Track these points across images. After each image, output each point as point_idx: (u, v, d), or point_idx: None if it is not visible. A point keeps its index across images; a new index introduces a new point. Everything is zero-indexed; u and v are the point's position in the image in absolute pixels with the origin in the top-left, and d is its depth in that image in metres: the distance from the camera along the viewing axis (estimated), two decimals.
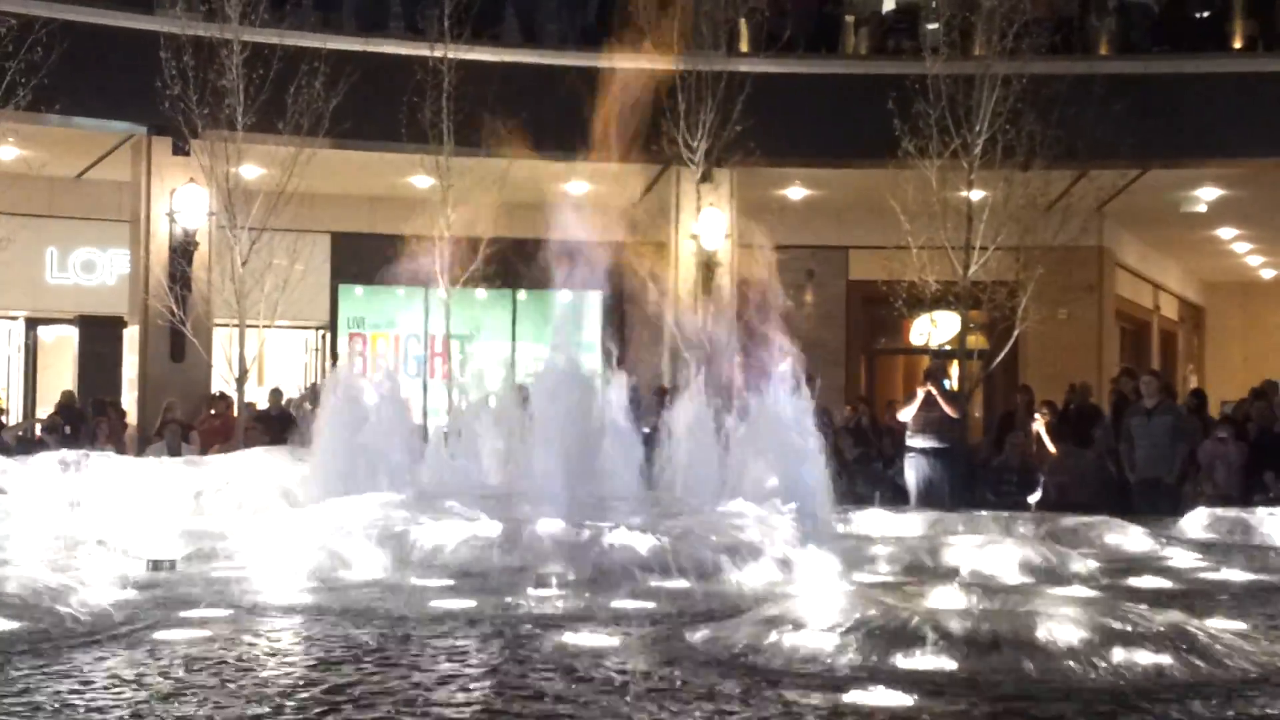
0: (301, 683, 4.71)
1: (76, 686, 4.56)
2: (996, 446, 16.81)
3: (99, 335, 20.30)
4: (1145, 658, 5.09)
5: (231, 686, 4.62)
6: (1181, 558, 8.82)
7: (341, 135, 17.36)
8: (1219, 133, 18.91)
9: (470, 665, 5.09)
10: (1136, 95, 18.05)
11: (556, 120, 17.60)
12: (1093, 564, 8.13)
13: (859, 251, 22.19)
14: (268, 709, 4.30)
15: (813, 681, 4.75)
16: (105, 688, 4.55)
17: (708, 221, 19.73)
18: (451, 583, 6.99)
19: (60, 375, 21.07)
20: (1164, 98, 18.84)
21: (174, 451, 16.35)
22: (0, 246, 16.41)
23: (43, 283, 20.75)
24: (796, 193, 21.21)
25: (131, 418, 18.35)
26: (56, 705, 4.30)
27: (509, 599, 6.52)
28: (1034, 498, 15.58)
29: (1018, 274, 18.08)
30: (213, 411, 18.02)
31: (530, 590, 6.75)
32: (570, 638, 5.54)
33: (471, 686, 4.69)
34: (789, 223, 20.67)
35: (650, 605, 6.53)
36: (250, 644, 5.39)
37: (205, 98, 16.79)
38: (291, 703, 4.38)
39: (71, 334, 21.25)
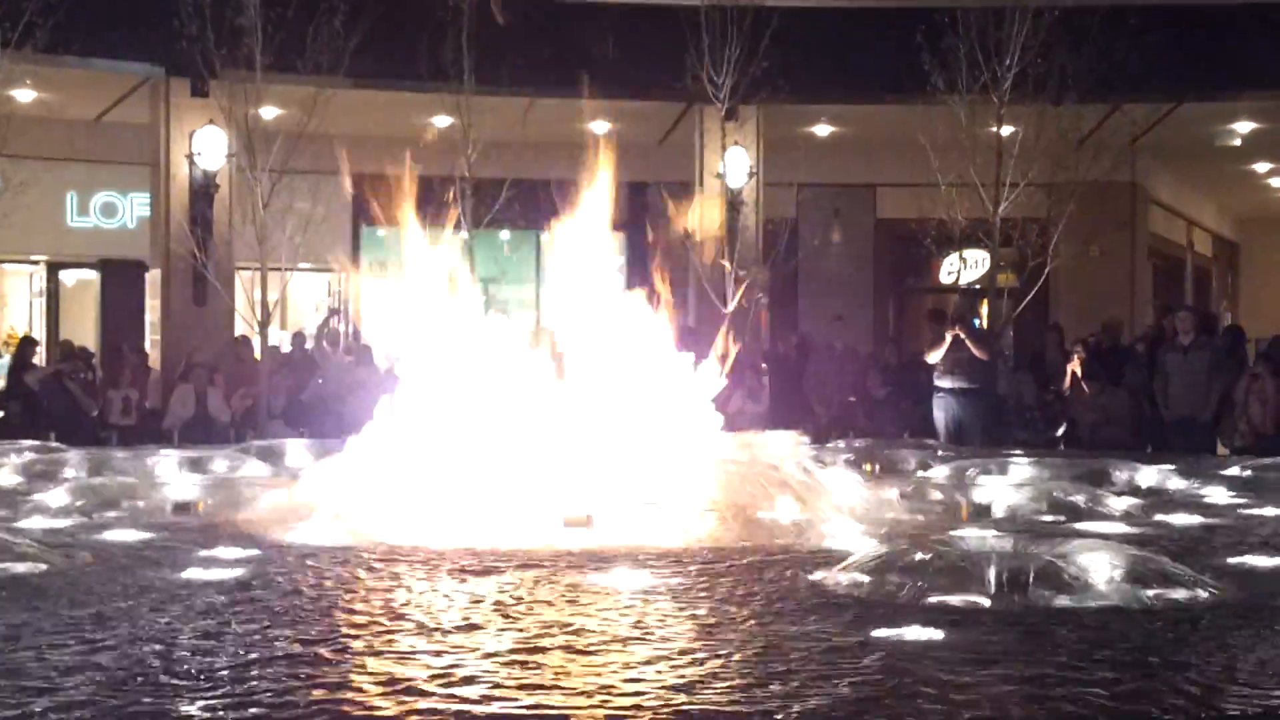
0: None
1: None
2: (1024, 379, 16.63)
3: (121, 279, 20.27)
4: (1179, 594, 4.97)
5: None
6: (1218, 494, 8.65)
7: (361, 75, 17.17)
8: (1255, 65, 18.54)
9: None
10: (1171, 27, 17.72)
11: (578, 57, 17.37)
12: (1128, 501, 7.97)
13: (887, 189, 21.95)
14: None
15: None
16: None
17: (733, 160, 19.49)
18: None
19: (82, 319, 21.06)
20: (1199, 29, 18.50)
21: (200, 396, 16.32)
22: (20, 190, 16.31)
23: (63, 227, 20.67)
24: (823, 130, 20.94)
25: (154, 361, 18.31)
26: None
27: None
28: (1058, 433, 15.49)
29: (1049, 211, 17.84)
30: (237, 355, 17.97)
31: None
32: None
33: None
34: (816, 160, 20.43)
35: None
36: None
37: (223, 37, 16.60)
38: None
39: (93, 278, 21.21)
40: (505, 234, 20.26)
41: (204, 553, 6.01)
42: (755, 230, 19.64)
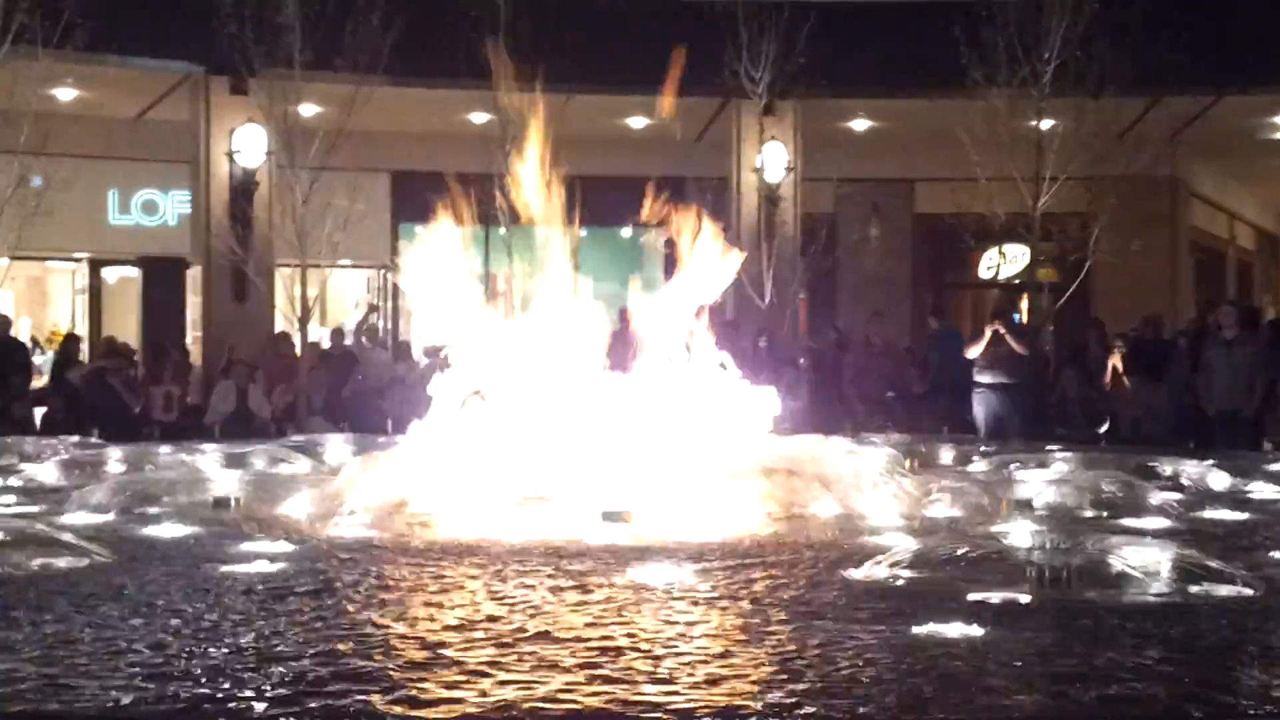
0: None
1: None
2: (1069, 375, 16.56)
3: (162, 276, 20.39)
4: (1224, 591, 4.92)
5: None
6: (1263, 490, 8.57)
7: (399, 72, 17.22)
8: None
9: None
10: (1212, 19, 17.56)
11: (616, 53, 17.36)
12: (1172, 496, 7.90)
13: (925, 184, 21.84)
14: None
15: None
16: None
17: (770, 155, 19.45)
18: None
19: (124, 316, 21.20)
20: (1240, 21, 18.31)
21: (241, 392, 16.40)
22: (62, 188, 16.42)
23: (105, 224, 20.81)
24: (861, 124, 20.87)
25: (195, 358, 18.42)
26: None
27: None
28: (1102, 429, 15.40)
29: (1089, 205, 17.73)
30: (279, 351, 18.06)
31: None
32: None
33: None
34: (853, 155, 20.36)
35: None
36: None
37: (262, 35, 16.69)
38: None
39: (135, 275, 21.34)
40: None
41: (244, 548, 6.04)
42: (793, 225, 19.59)
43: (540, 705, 3.52)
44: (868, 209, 22.27)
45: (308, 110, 17.58)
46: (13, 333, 18.15)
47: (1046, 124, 17.42)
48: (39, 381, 17.75)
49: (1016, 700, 3.56)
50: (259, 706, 3.47)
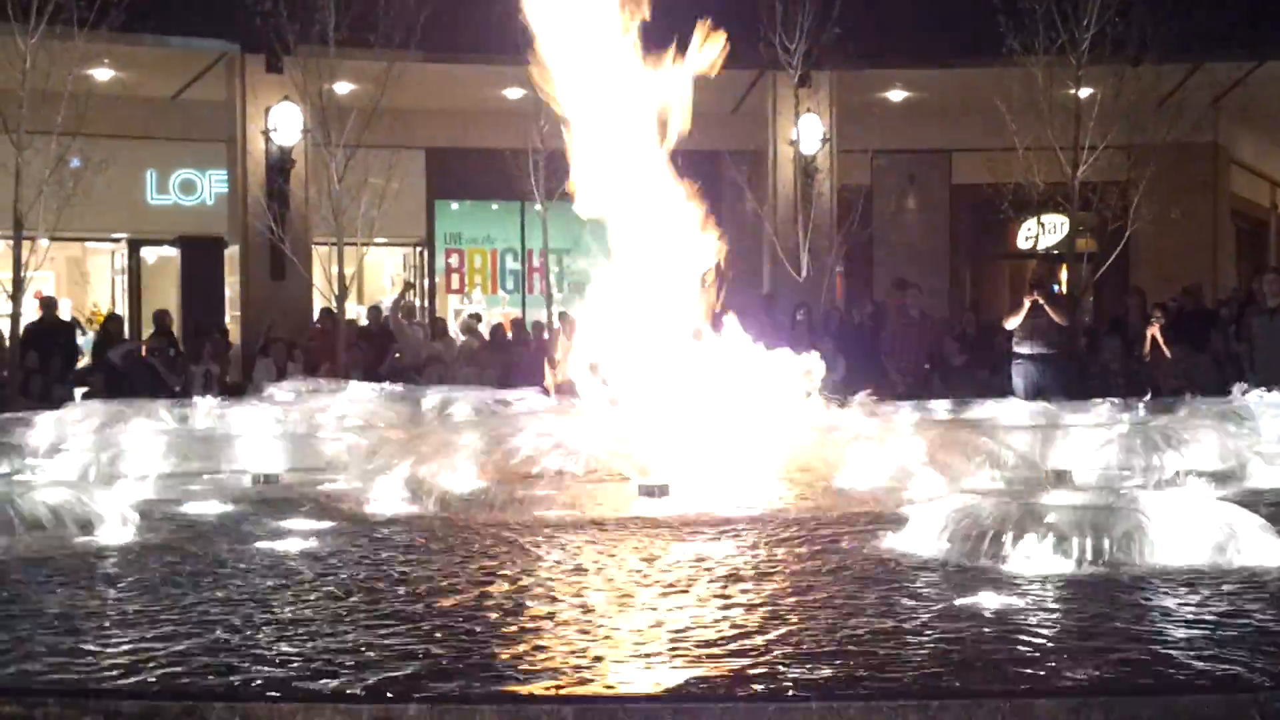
0: None
1: None
2: (1111, 345, 16.43)
3: (200, 256, 20.51)
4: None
5: None
6: None
7: (433, 48, 17.22)
8: None
9: None
10: None
11: (648, 24, 17.25)
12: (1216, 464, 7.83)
13: (963, 154, 21.70)
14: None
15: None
16: None
17: (806, 127, 19.36)
18: None
19: (163, 296, 21.33)
20: None
21: (280, 370, 16.47)
22: (100, 169, 16.51)
23: (143, 204, 20.94)
24: (897, 95, 20.73)
25: (234, 337, 18.52)
26: None
27: None
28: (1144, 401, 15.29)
29: (1128, 173, 17.57)
30: (319, 327, 18.13)
31: None
32: None
33: None
34: (890, 126, 20.23)
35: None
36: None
37: (297, 13, 16.71)
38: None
39: (173, 255, 21.46)
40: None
41: (285, 524, 6.06)
42: (829, 198, 19.50)
43: (567, 690, 3.51)
44: (904, 180, 22.16)
45: (342, 88, 17.60)
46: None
47: (1085, 92, 17.26)
48: (82, 362, 17.89)
49: (1057, 671, 3.53)
50: (314, 683, 3.48)
